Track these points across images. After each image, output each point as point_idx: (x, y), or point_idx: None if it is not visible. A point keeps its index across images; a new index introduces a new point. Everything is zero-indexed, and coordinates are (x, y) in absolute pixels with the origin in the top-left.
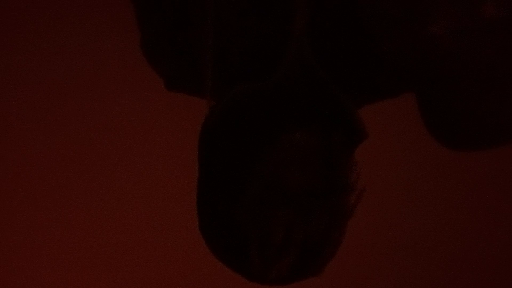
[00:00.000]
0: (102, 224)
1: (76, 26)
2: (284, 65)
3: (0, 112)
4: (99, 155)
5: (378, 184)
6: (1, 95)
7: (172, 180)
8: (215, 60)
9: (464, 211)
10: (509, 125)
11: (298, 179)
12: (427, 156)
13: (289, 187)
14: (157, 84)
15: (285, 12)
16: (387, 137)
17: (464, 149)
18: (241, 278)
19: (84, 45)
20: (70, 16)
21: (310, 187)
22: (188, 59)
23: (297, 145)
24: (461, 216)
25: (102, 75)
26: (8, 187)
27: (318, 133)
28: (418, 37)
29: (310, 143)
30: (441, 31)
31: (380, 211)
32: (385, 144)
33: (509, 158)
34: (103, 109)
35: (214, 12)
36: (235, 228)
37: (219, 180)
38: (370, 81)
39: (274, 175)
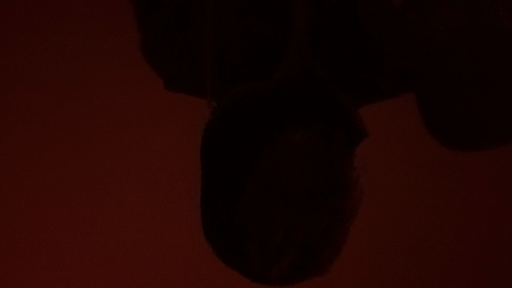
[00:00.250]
0: (102, 224)
1: (76, 26)
2: (284, 65)
3: (0, 112)
4: (99, 155)
5: (378, 184)
6: (1, 95)
7: (172, 180)
8: (215, 60)
9: (464, 211)
10: (509, 125)
11: (298, 179)
12: (427, 156)
13: (289, 187)
14: (157, 84)
15: (285, 12)
16: (387, 137)
17: (464, 149)
18: (242, 278)
19: (84, 45)
20: (70, 16)
21: (310, 187)
22: (188, 59)
23: (297, 145)
24: (461, 216)
25: (102, 75)
26: (8, 187)
27: (318, 133)
28: (418, 37)
29: (310, 143)
30: (441, 31)
31: (380, 211)
32: (385, 144)
33: (509, 158)
34: (103, 109)
35: (214, 12)
36: (235, 228)
37: (219, 180)
38: (370, 81)
39: (274, 175)
